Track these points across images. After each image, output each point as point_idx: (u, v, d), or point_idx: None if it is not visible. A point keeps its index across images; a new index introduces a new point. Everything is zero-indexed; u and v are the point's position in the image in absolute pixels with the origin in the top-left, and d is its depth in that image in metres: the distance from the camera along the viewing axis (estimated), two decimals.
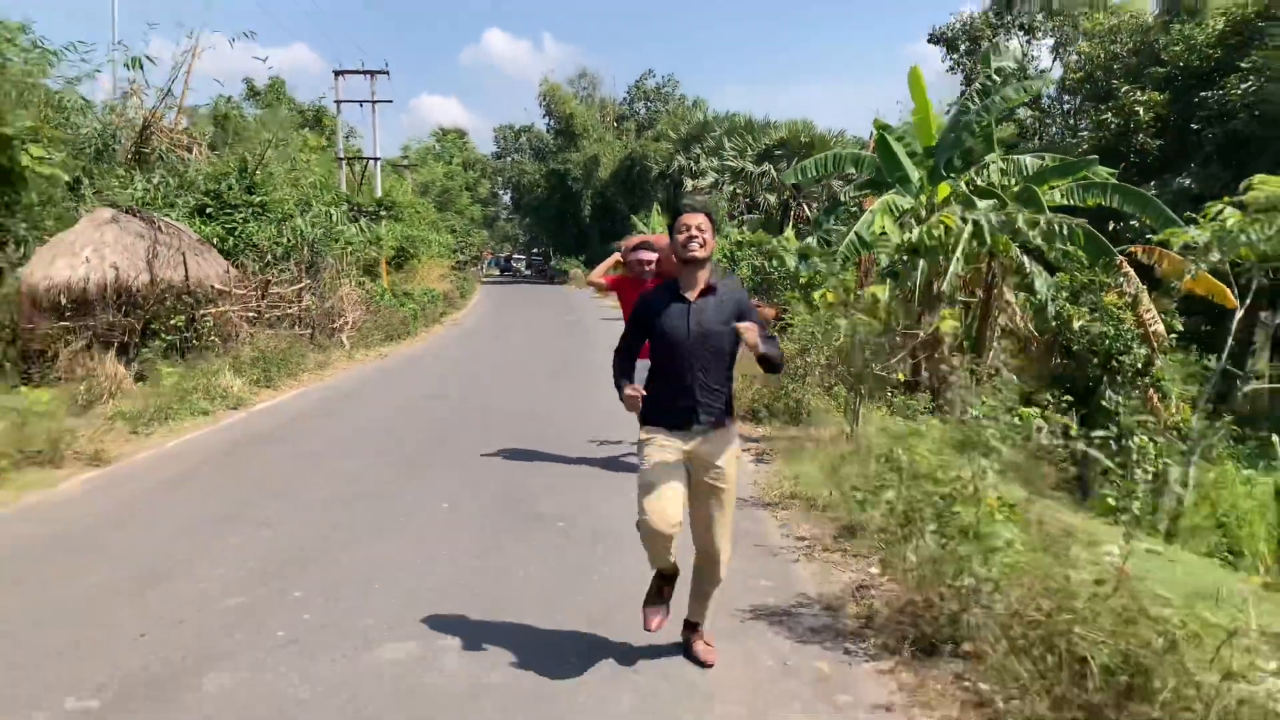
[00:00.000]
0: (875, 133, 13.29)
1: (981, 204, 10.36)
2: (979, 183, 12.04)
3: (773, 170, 32.36)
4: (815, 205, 29.03)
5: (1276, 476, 7.03)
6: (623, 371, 3.63)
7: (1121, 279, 11.30)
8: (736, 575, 4.49)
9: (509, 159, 63.82)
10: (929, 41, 34.62)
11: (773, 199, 32.51)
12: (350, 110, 50.11)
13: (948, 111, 14.48)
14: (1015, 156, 12.83)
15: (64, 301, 10.18)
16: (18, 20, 12.11)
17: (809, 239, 18.50)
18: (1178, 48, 23.22)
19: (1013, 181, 11.93)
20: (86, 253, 10.54)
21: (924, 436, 4.79)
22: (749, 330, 3.34)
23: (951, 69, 34.19)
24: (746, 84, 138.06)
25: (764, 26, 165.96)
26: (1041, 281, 11.12)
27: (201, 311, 11.56)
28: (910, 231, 10.10)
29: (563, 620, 4.08)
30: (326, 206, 18.53)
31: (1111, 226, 16.38)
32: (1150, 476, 5.64)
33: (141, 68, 16.11)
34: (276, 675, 3.52)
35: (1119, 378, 10.32)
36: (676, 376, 3.42)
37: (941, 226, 9.59)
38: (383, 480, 6.80)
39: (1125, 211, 11.90)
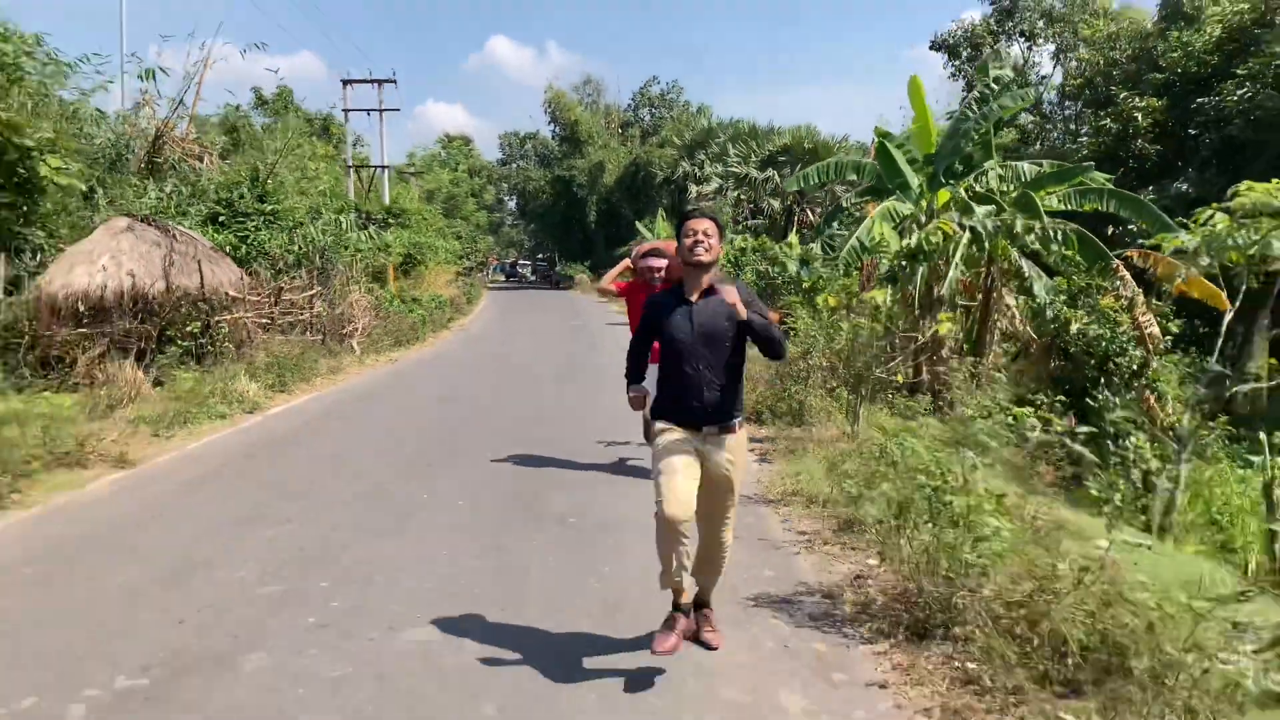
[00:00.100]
0: (876, 140, 13.55)
1: (980, 210, 10.59)
2: (978, 189, 12.27)
3: (776, 176, 32.59)
4: (818, 210, 29.25)
5: (1263, 473, 7.23)
6: (631, 373, 3.87)
7: (1118, 282, 11.50)
8: (740, 566, 4.74)
9: (514, 165, 64.29)
10: (931, 48, 35.00)
11: (776, 204, 32.73)
12: (357, 116, 50.54)
13: (948, 118, 14.74)
14: (1013, 163, 13.07)
15: (82, 309, 10.39)
16: (33, 33, 12.39)
17: (812, 244, 18.80)
18: (1176, 54, 23.46)
19: (1011, 187, 12.15)
20: (104, 261, 10.76)
21: (917, 433, 5.02)
22: (729, 292, 3.48)
23: (953, 75, 34.56)
24: (749, 87, 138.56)
25: (766, 30, 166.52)
26: (1040, 285, 11.33)
27: (216, 318, 11.83)
28: (910, 237, 10.35)
29: (577, 600, 4.34)
30: (336, 214, 18.85)
31: (1110, 231, 16.56)
32: (1142, 475, 5.83)
33: (154, 79, 16.40)
34: (309, 657, 3.76)
35: (1115, 379, 10.51)
36: (683, 376, 3.58)
37: (940, 232, 9.83)
38: (399, 480, 7.04)
39: (1122, 216, 12.12)
